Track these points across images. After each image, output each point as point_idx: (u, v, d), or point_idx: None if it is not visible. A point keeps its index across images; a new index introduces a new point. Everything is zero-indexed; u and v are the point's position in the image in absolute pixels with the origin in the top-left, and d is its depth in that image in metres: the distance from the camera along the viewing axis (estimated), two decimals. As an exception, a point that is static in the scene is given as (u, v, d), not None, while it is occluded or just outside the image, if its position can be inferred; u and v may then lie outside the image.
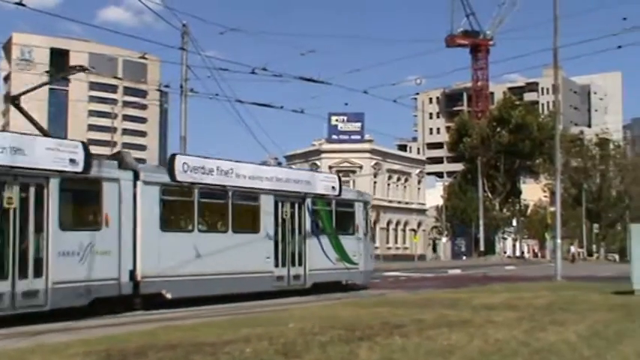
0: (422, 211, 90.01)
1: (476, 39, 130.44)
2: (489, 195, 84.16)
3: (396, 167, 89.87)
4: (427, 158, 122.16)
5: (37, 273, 14.96)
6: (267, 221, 21.35)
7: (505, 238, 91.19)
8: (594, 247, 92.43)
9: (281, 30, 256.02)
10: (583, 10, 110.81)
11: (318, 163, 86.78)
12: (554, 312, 14.30)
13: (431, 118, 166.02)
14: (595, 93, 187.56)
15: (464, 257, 79.13)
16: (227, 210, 20.15)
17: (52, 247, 15.27)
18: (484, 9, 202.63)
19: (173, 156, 19.37)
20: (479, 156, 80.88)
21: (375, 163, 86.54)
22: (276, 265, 21.59)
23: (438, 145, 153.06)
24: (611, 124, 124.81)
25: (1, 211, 14.48)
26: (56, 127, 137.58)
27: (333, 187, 24.07)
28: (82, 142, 16.47)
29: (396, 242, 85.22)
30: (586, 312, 14.31)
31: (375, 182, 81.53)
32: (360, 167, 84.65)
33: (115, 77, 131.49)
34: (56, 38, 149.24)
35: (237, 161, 21.24)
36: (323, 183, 23.92)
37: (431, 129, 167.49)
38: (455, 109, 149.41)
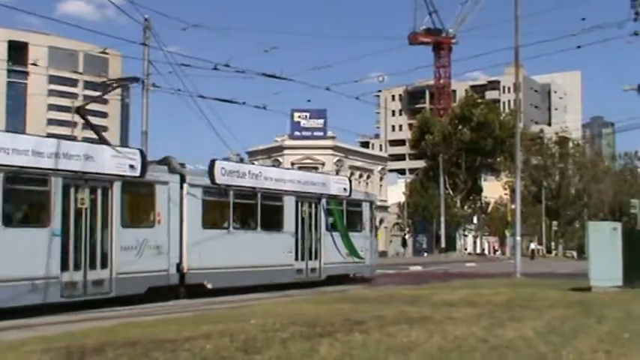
0: (384, 208, 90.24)
1: (438, 37, 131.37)
2: (451, 192, 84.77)
3: (358, 164, 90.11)
4: (389, 155, 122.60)
5: (104, 264, 17.26)
6: (289, 219, 23.71)
7: (466, 235, 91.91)
8: (553, 244, 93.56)
9: (244, 26, 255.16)
10: (543, 10, 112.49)
11: (280, 159, 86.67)
12: (512, 309, 14.47)
13: (393, 115, 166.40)
14: (555, 92, 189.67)
15: (425, 254, 79.59)
16: (256, 209, 22.55)
17: (115, 242, 17.54)
18: (447, 7, 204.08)
19: (213, 161, 21.35)
20: (440, 153, 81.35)
21: (338, 160, 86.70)
22: (296, 259, 23.97)
23: (400, 142, 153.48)
24: (571, 123, 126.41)
25: (75, 211, 16.62)
26: (15, 120, 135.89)
27: (344, 189, 26.51)
28: (140, 150, 18.76)
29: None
30: (544, 308, 14.52)
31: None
32: (323, 164, 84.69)
33: (75, 72, 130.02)
34: (15, 31, 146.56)
35: (265, 165, 22.65)
36: (336, 185, 26.40)
37: (393, 126, 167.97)
38: (417, 106, 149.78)
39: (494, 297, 17.50)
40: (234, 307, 16.55)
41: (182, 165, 20.73)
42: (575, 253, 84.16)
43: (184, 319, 13.45)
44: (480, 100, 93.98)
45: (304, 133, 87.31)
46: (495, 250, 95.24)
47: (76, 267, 16.49)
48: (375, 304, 15.89)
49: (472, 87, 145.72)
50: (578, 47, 29.66)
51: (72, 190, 16.58)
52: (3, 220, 15.22)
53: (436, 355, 8.83)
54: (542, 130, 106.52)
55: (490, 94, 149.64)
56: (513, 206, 47.11)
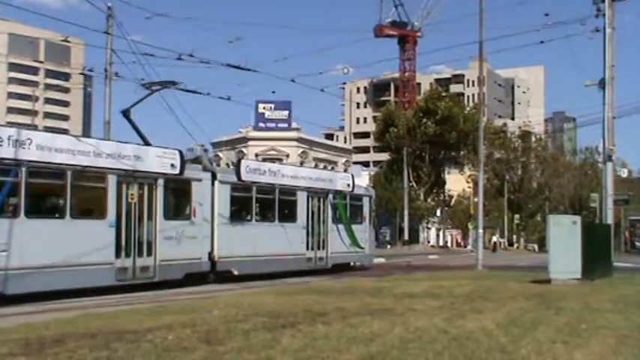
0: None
1: (404, 30, 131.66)
2: (414, 185, 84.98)
3: (322, 156, 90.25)
4: (354, 147, 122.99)
5: (149, 252, 19.69)
6: (301, 212, 26.38)
7: (429, 228, 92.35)
8: (515, 237, 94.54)
9: (208, 16, 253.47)
10: (508, 4, 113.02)
11: (244, 150, 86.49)
12: (473, 300, 14.61)
13: (358, 107, 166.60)
14: (519, 86, 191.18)
15: (388, 246, 79.85)
16: (274, 204, 25.16)
17: (159, 233, 19.96)
18: (412, 0, 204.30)
19: (239, 160, 25.06)
20: (405, 146, 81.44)
21: (302, 152, 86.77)
22: (307, 249, 26.68)
23: (364, 135, 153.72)
24: (534, 117, 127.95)
25: (127, 204, 19.07)
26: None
27: (348, 185, 29.12)
28: (179, 151, 20.94)
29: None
30: (504, 300, 14.68)
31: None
32: (287, 155, 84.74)
33: (36, 60, 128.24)
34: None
35: (282, 164, 28.10)
36: (341, 181, 29.01)
37: (358, 118, 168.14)
38: (382, 99, 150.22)
39: (456, 289, 17.65)
40: (204, 297, 16.49)
41: (211, 163, 23.01)
42: (536, 246, 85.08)
43: (147, 309, 13.38)
44: (444, 94, 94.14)
45: (269, 125, 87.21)
46: (459, 244, 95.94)
47: (127, 254, 19.01)
48: (338, 295, 15.94)
49: (437, 80, 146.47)
50: (542, 42, 29.97)
51: (124, 187, 19.03)
52: (70, 212, 17.55)
53: (397, 345, 8.88)
54: (505, 124, 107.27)
55: (454, 88, 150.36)
56: (476, 199, 47.54)
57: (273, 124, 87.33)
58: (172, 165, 20.37)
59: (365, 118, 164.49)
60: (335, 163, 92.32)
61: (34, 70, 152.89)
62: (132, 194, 19.23)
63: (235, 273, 22.97)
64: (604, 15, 27.33)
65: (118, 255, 18.67)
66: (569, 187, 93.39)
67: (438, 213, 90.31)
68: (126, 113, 22.50)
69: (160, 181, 20.08)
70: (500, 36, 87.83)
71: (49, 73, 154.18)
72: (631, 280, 21.75)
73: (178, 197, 21.58)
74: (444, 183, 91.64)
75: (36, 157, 16.74)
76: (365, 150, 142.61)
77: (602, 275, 21.51)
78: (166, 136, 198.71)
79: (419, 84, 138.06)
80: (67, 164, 17.38)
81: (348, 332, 9.87)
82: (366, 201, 30.84)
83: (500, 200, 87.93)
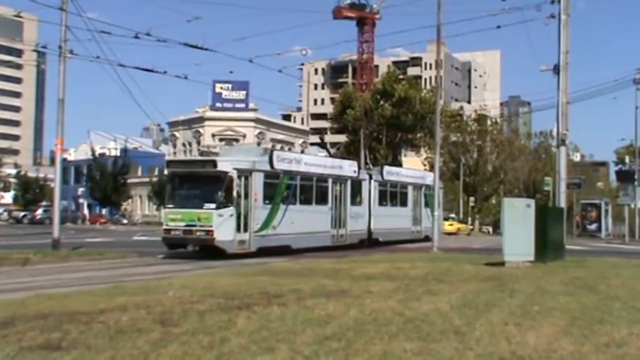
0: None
1: (363, 12, 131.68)
2: (371, 167, 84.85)
3: (279, 137, 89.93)
4: (311, 129, 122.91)
5: (344, 225, 32.31)
6: (410, 200, 40.04)
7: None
8: (470, 219, 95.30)
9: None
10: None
11: (201, 130, 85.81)
12: (429, 282, 14.71)
13: (316, 89, 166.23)
14: (475, 70, 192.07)
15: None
16: (397, 194, 38.73)
17: (348, 213, 32.59)
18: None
19: (382, 166, 40.46)
20: (362, 128, 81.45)
21: (259, 132, 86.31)
22: (412, 225, 40.05)
23: (322, 116, 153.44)
24: (490, 101, 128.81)
25: (335, 195, 31.53)
26: None
27: (430, 181, 38.75)
28: (357, 162, 36.69)
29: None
30: (459, 282, 14.81)
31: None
32: (244, 136, 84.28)
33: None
34: None
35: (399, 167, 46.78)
36: (428, 178, 40.75)
37: (315, 100, 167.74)
38: (340, 80, 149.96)
39: (412, 271, 17.75)
40: (164, 278, 16.34)
41: (368, 168, 41.83)
42: (490, 229, 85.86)
43: (100, 290, 13.21)
44: (401, 76, 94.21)
45: (226, 105, 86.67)
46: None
47: (335, 226, 31.62)
48: (294, 277, 15.93)
49: (394, 63, 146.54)
50: (498, 27, 30.54)
51: (334, 185, 31.50)
52: (315, 201, 30.24)
53: (352, 327, 8.90)
54: (461, 108, 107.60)
55: (412, 71, 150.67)
56: (432, 182, 47.73)
57: (230, 105, 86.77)
58: (354, 171, 33.49)
59: (322, 100, 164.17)
60: (292, 144, 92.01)
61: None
62: (337, 189, 31.62)
63: (380, 240, 35.23)
64: (559, 2, 27.57)
65: (332, 227, 31.35)
66: (523, 170, 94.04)
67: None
68: (322, 141, 40.78)
69: (348, 181, 32.56)
70: (458, 20, 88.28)
71: (1, 49, 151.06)
72: (582, 262, 22.09)
73: (355, 191, 33.40)
74: (401, 165, 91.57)
75: (303, 169, 29.64)
76: (322, 131, 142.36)
77: (555, 258, 21.83)
78: (123, 116, 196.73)
79: (377, 66, 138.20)
80: (313, 173, 30.30)
81: (303, 314, 9.87)
82: (441, 192, 41.27)
83: (456, 183, 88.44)
